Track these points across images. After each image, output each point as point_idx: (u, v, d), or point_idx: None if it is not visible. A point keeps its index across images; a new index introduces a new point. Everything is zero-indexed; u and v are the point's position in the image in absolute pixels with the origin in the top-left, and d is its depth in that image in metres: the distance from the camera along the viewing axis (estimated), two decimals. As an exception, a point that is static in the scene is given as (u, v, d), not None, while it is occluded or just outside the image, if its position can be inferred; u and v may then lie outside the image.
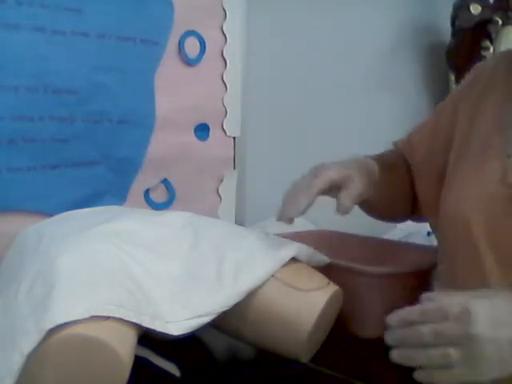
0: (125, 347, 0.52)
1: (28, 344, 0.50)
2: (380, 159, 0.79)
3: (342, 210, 0.66)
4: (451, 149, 0.73)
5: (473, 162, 0.68)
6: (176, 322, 0.58)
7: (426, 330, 0.51)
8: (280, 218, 0.68)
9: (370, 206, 0.80)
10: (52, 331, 0.49)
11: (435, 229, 0.76)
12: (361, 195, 0.68)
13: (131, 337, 0.55)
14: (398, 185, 0.81)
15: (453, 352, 0.49)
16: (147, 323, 0.56)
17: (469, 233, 0.64)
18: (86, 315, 0.51)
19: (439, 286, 0.72)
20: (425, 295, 0.55)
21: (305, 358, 0.65)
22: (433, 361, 0.51)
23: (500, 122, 0.67)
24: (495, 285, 0.61)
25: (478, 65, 0.79)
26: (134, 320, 0.55)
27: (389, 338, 0.53)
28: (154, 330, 0.57)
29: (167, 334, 0.58)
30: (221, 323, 0.68)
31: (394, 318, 0.53)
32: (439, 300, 0.53)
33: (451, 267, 0.69)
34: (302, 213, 0.66)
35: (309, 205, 0.66)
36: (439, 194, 0.72)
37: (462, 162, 0.70)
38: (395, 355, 0.53)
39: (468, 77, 0.78)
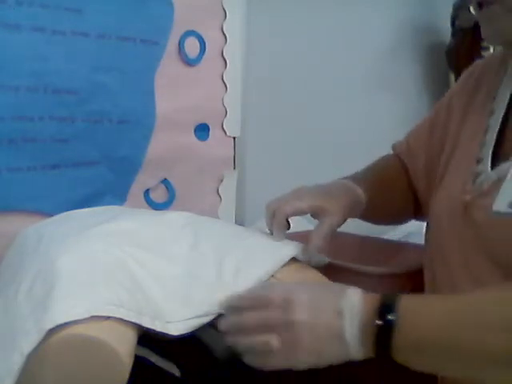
0: (125, 347, 0.52)
1: (28, 344, 0.50)
2: (368, 174, 0.79)
3: (314, 250, 0.67)
4: (444, 149, 0.73)
5: (456, 163, 0.69)
6: (176, 322, 0.58)
7: (250, 316, 0.54)
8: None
9: (366, 218, 0.81)
10: (52, 331, 0.49)
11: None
12: (334, 226, 0.69)
13: (131, 337, 0.55)
14: (396, 193, 0.81)
15: (273, 339, 0.52)
16: (147, 323, 0.56)
17: (438, 231, 0.67)
18: (86, 315, 0.51)
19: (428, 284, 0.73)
20: (260, 283, 0.58)
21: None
22: (255, 347, 0.53)
23: (480, 124, 0.66)
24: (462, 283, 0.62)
25: (477, 62, 0.78)
26: (134, 320, 0.55)
27: (221, 325, 0.55)
28: (153, 330, 0.57)
29: (167, 334, 0.58)
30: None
31: (225, 305, 0.56)
32: (270, 288, 0.56)
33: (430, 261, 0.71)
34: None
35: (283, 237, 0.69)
36: None
37: (451, 162, 0.70)
38: (227, 340, 0.56)
39: (465, 73, 0.78)
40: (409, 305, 0.51)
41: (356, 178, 0.76)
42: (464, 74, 0.77)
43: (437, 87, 1.69)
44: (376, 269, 0.76)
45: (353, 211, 0.71)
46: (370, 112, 1.46)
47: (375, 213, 0.79)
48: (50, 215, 0.80)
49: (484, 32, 0.61)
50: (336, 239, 0.99)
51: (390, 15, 1.52)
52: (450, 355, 0.49)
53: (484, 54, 1.48)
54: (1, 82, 0.78)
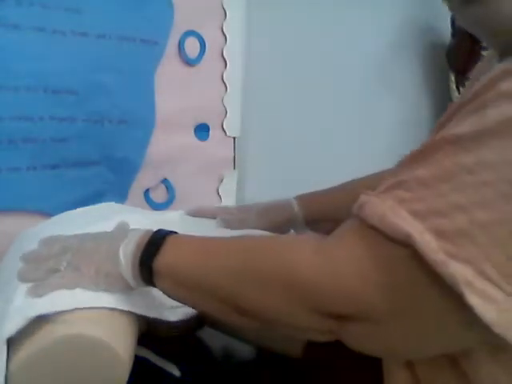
0: (125, 347, 0.52)
1: (9, 327, 0.50)
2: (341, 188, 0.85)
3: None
4: None
5: None
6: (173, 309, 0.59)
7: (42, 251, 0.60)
8: None
9: None
10: (52, 331, 0.49)
11: None
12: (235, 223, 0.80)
13: (131, 337, 0.55)
14: None
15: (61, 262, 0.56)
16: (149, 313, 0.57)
17: None
18: (73, 306, 0.51)
19: None
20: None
21: (304, 358, 0.66)
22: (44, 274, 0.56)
23: None
24: None
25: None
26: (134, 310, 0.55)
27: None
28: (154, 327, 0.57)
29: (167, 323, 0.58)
30: (221, 323, 0.69)
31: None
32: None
33: None
34: None
35: None
36: None
37: None
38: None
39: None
40: (176, 237, 0.55)
41: (305, 195, 0.85)
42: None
43: (437, 87, 1.69)
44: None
45: (286, 224, 0.81)
46: (370, 112, 1.46)
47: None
48: (50, 215, 0.80)
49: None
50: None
51: (390, 15, 1.52)
52: (198, 285, 0.52)
53: (484, 53, 1.48)
54: (1, 82, 0.78)
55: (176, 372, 0.63)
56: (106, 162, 0.92)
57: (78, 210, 0.79)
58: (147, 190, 1.00)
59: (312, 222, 0.83)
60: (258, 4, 1.14)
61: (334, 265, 0.45)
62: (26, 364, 0.49)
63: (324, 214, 0.83)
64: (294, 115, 1.29)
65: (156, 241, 0.55)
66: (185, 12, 0.99)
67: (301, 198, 0.84)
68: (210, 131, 1.08)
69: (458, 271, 0.39)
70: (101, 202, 0.89)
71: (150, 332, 0.68)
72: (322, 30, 1.33)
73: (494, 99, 0.41)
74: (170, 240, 0.55)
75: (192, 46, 1.01)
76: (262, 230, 0.76)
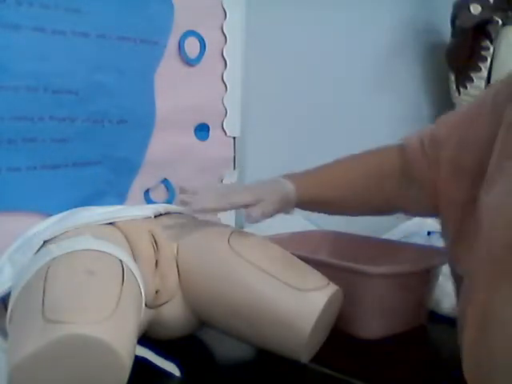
0: (125, 347, 0.52)
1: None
2: (323, 169, 0.80)
3: (250, 220, 0.70)
4: (491, 152, 0.63)
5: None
6: None
7: None
8: (182, 202, 0.74)
9: (331, 212, 0.83)
10: (52, 331, 0.49)
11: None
12: (268, 214, 0.72)
13: (131, 337, 0.54)
14: (373, 184, 0.78)
15: None
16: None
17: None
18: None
19: None
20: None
21: (305, 358, 0.65)
22: None
23: None
24: None
25: None
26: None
27: None
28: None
29: None
30: (221, 323, 0.69)
31: None
32: None
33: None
34: (206, 212, 0.72)
35: (214, 210, 0.72)
36: (471, 192, 0.63)
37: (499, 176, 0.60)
38: None
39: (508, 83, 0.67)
40: None
41: (296, 175, 0.78)
42: (507, 79, 0.67)
43: (437, 87, 1.69)
44: (376, 269, 0.76)
45: (283, 205, 0.74)
46: (371, 112, 1.46)
47: (338, 206, 0.80)
48: (50, 215, 0.79)
49: None
50: (336, 239, 0.99)
51: (390, 15, 1.52)
52: None
53: (484, 53, 1.48)
54: (1, 82, 0.79)
55: (176, 372, 0.63)
56: (106, 162, 0.92)
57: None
58: (147, 190, 1.00)
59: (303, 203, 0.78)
60: (258, 4, 1.14)
61: None
62: (25, 364, 0.49)
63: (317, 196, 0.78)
64: (294, 115, 1.29)
65: None
66: (185, 12, 0.99)
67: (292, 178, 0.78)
68: (210, 131, 1.08)
69: None
70: (101, 202, 0.89)
71: (149, 332, 0.68)
72: (322, 30, 1.33)
73: None
74: None
75: (192, 46, 1.01)
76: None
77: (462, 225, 0.66)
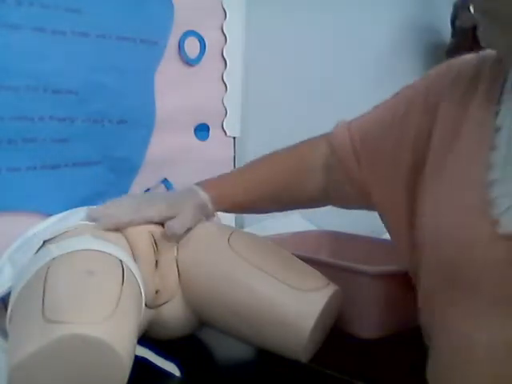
0: (125, 347, 0.52)
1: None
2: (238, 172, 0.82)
3: (170, 233, 0.68)
4: (426, 156, 0.62)
5: (450, 183, 0.58)
6: None
7: None
8: (91, 218, 0.69)
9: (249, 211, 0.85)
10: (52, 331, 0.49)
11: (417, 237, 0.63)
12: (188, 225, 0.70)
13: (131, 337, 0.54)
14: (293, 180, 0.78)
15: None
16: None
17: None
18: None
19: None
20: None
21: (305, 358, 0.65)
22: None
23: (483, 142, 0.56)
24: None
25: (457, 61, 0.65)
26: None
27: None
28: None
29: None
30: (221, 323, 0.69)
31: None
32: None
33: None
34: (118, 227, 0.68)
35: (127, 225, 0.68)
36: (398, 199, 0.66)
37: (438, 178, 0.60)
38: None
39: (446, 72, 0.65)
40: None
41: (209, 181, 0.78)
42: (448, 75, 0.64)
43: (437, 87, 1.69)
44: (376, 269, 0.76)
45: (201, 212, 0.74)
46: (370, 112, 1.46)
47: (260, 206, 0.80)
48: (50, 215, 0.79)
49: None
50: (336, 239, 0.99)
51: (390, 15, 1.52)
52: None
53: (484, 53, 1.48)
54: (1, 82, 0.79)
55: (176, 372, 0.63)
56: (106, 162, 0.93)
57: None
58: (147, 190, 1.00)
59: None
60: (258, 4, 1.14)
61: None
62: (26, 364, 0.49)
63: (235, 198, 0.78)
64: (294, 115, 1.29)
65: None
66: (185, 12, 0.99)
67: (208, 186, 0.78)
68: (210, 131, 1.08)
69: None
70: (101, 201, 0.89)
71: (149, 332, 0.68)
72: (322, 30, 1.33)
73: None
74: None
75: (192, 46, 1.02)
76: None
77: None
